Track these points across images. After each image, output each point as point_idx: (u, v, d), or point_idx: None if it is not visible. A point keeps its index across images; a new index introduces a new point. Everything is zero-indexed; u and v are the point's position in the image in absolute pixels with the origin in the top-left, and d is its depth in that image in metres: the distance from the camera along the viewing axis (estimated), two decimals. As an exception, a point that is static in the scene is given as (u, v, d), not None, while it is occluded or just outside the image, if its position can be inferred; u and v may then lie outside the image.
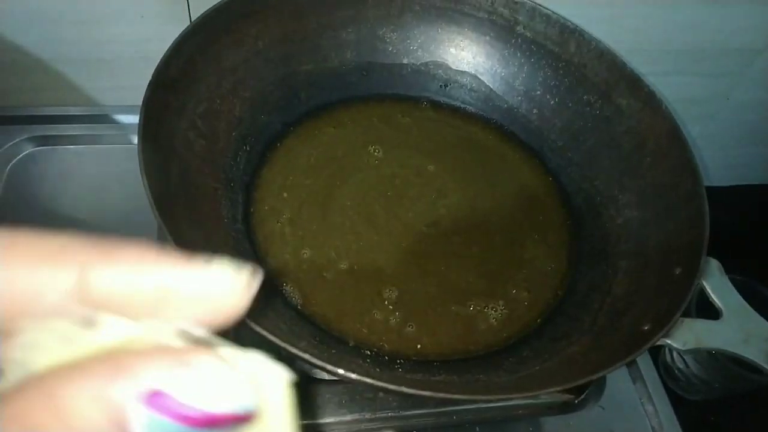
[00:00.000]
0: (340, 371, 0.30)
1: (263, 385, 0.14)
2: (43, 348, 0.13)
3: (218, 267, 0.14)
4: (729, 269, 0.41)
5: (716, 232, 0.39)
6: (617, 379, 0.48)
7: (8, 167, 0.53)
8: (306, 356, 0.30)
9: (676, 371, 0.60)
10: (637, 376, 0.48)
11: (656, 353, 0.56)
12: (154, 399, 0.11)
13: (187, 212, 0.39)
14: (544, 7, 0.49)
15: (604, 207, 0.47)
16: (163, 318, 0.14)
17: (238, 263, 0.14)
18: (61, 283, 0.13)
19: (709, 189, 0.41)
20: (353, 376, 0.30)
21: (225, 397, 0.12)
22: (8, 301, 0.13)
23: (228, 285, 0.14)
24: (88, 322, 0.13)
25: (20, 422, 0.11)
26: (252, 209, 0.45)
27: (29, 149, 0.54)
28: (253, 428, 0.13)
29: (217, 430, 0.12)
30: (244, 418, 0.12)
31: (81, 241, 0.14)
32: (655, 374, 0.49)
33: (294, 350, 0.30)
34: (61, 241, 0.14)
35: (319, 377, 0.44)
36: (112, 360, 0.12)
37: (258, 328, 0.30)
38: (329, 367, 0.30)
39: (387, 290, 0.42)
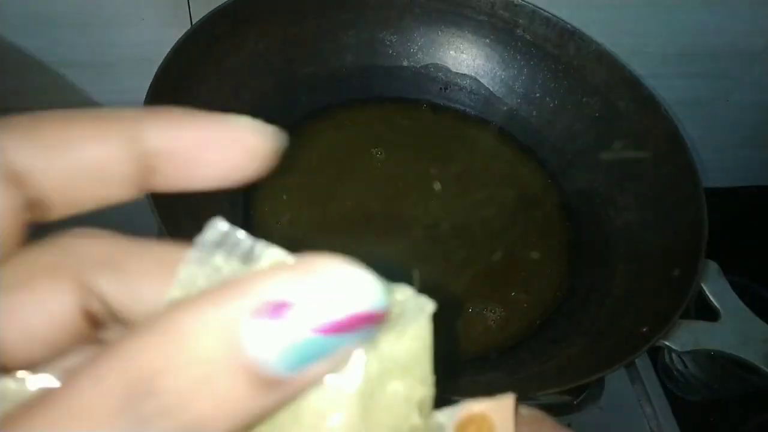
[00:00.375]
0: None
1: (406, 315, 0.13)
2: (201, 286, 0.12)
3: (245, 119, 0.14)
4: (727, 271, 0.42)
5: (715, 233, 0.39)
6: (616, 380, 0.48)
7: (10, 169, 0.53)
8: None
9: (675, 372, 0.60)
10: (635, 377, 0.49)
11: (655, 354, 0.57)
12: (277, 311, 0.10)
13: (187, 214, 0.39)
14: (544, 10, 0.49)
15: (603, 209, 0.47)
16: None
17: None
18: (116, 150, 0.13)
19: (708, 190, 0.41)
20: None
21: (354, 297, 0.11)
22: (72, 184, 0.13)
23: (258, 134, 0.14)
24: (249, 257, 0.13)
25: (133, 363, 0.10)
26: (252, 211, 0.45)
27: (31, 151, 0.54)
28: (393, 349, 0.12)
29: (350, 335, 0.11)
30: (377, 318, 0.11)
31: (118, 111, 0.13)
32: (654, 375, 0.49)
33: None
34: (96, 113, 0.13)
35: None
36: (225, 284, 0.10)
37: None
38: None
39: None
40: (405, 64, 0.53)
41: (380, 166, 0.49)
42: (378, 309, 0.11)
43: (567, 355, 0.38)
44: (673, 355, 0.57)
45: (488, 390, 0.36)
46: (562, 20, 0.49)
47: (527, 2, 0.49)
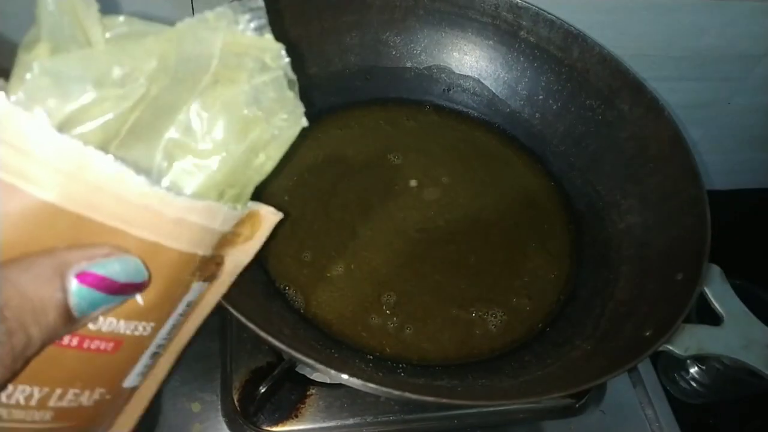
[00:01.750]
0: (344, 376, 0.30)
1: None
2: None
3: None
4: (730, 273, 0.42)
5: (717, 235, 0.39)
6: (618, 383, 0.48)
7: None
8: (309, 361, 0.30)
9: (676, 375, 0.60)
10: (637, 381, 0.49)
11: (656, 358, 0.57)
12: (82, 276, 0.18)
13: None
14: (548, 13, 0.49)
15: (606, 212, 0.47)
16: None
17: None
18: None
19: (711, 193, 0.41)
20: (357, 380, 0.30)
21: (127, 274, 0.19)
22: None
23: None
24: None
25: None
26: (255, 212, 0.45)
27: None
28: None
29: (122, 295, 0.19)
30: (141, 286, 0.20)
31: None
32: (656, 378, 0.49)
33: (298, 355, 0.30)
34: None
35: (321, 381, 0.44)
36: (59, 253, 0.18)
37: (263, 334, 0.30)
38: (333, 372, 0.30)
39: (387, 294, 0.42)
40: (408, 65, 0.53)
41: (383, 168, 0.49)
42: (139, 282, 0.20)
43: (570, 358, 0.38)
44: (675, 358, 0.57)
45: (491, 393, 0.36)
46: (566, 23, 0.49)
47: (531, 4, 0.49)
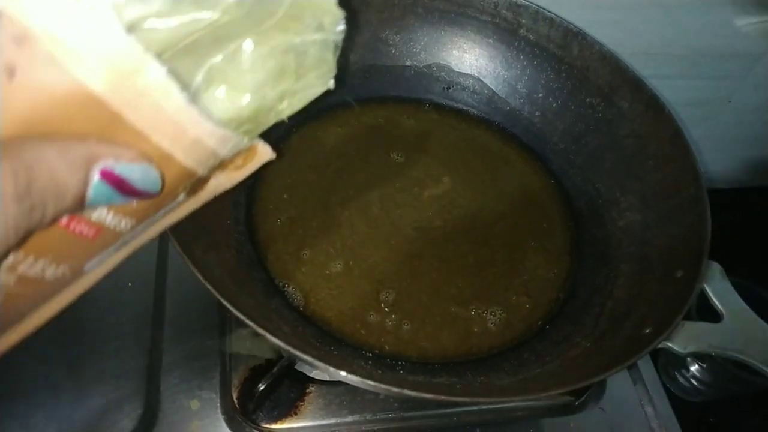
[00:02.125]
0: (343, 373, 0.30)
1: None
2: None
3: None
4: (730, 272, 0.42)
5: (717, 234, 0.39)
6: (618, 381, 0.48)
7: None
8: (308, 358, 0.30)
9: (677, 373, 0.60)
10: (637, 378, 0.48)
11: (657, 355, 0.57)
12: (106, 172, 0.19)
13: (191, 213, 0.39)
14: (547, 11, 0.49)
15: (605, 210, 0.47)
16: None
17: None
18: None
19: (711, 191, 0.41)
20: (356, 378, 0.30)
21: (145, 183, 0.21)
22: None
23: None
24: None
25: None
26: (254, 210, 0.45)
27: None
28: None
29: (133, 197, 0.21)
30: (152, 195, 0.21)
31: None
32: (656, 376, 0.49)
33: (297, 352, 0.30)
34: None
35: (320, 379, 0.44)
36: (91, 144, 0.19)
37: (262, 331, 0.30)
38: (332, 369, 0.30)
39: (386, 292, 0.42)
40: (408, 63, 0.53)
41: (382, 166, 0.49)
42: (153, 192, 0.21)
43: (569, 356, 0.38)
44: (675, 356, 0.57)
45: (490, 390, 0.36)
46: (566, 21, 0.49)
47: (531, 2, 0.49)
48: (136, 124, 0.20)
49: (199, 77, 0.22)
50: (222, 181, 0.28)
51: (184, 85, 0.21)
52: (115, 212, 0.21)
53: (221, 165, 0.26)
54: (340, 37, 0.26)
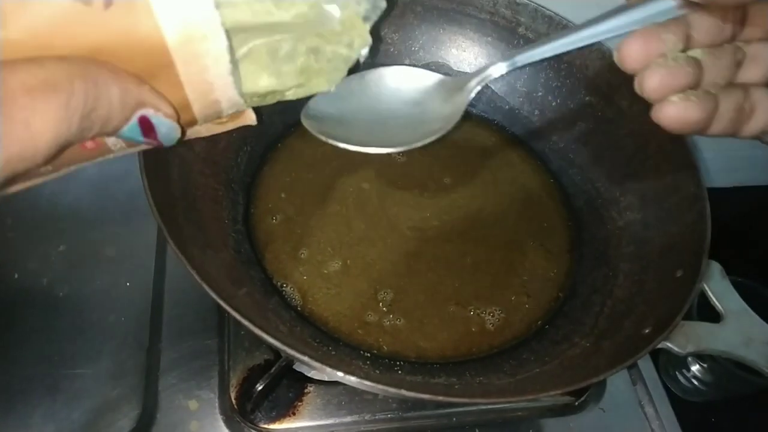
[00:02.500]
0: (340, 374, 0.30)
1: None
2: None
3: None
4: (730, 271, 0.41)
5: (717, 233, 0.38)
6: (617, 381, 0.48)
7: (9, 166, 0.53)
8: (305, 358, 0.30)
9: (677, 373, 0.60)
10: (637, 378, 0.48)
11: (657, 355, 0.56)
12: (143, 119, 0.23)
13: (188, 213, 0.39)
14: (547, 9, 0.48)
15: (605, 209, 0.47)
16: None
17: None
18: None
19: (711, 190, 0.41)
20: (353, 379, 0.30)
21: (167, 137, 0.25)
22: None
23: None
24: None
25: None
26: (252, 209, 0.45)
27: (30, 149, 0.54)
28: None
29: (153, 143, 0.24)
30: (161, 146, 0.25)
31: None
32: (656, 376, 0.49)
33: (293, 352, 0.30)
34: None
35: (318, 379, 0.44)
36: (145, 90, 0.22)
37: (259, 332, 0.30)
38: (329, 369, 0.30)
39: (384, 292, 0.41)
40: (406, 62, 0.52)
41: (380, 164, 0.49)
42: (164, 146, 0.25)
43: (569, 356, 0.38)
44: (675, 356, 0.57)
45: (488, 391, 0.36)
46: (565, 19, 0.48)
47: (529, 1, 0.49)
48: (181, 76, 0.23)
49: (240, 52, 0.25)
50: (201, 130, 0.30)
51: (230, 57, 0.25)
52: (115, 139, 0.24)
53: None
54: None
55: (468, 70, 0.53)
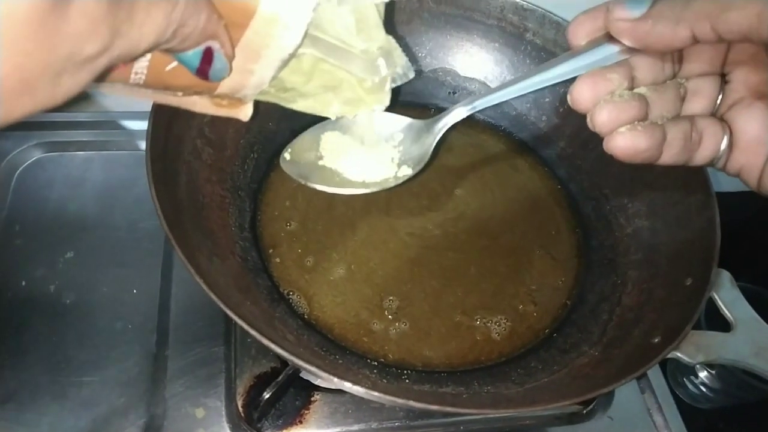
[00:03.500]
0: (348, 384, 0.29)
1: None
2: None
3: None
4: (739, 277, 0.41)
5: (726, 238, 0.38)
6: (626, 389, 0.48)
7: (17, 173, 0.53)
8: (312, 368, 0.30)
9: (685, 380, 0.60)
10: (646, 386, 0.48)
11: (665, 362, 0.56)
12: (207, 50, 0.26)
13: (195, 221, 0.39)
14: (554, 15, 0.48)
15: (613, 216, 0.47)
16: None
17: None
18: None
19: (719, 194, 0.40)
20: (360, 389, 0.30)
21: (219, 73, 0.28)
22: None
23: None
24: None
25: None
26: (259, 217, 0.45)
27: (38, 155, 0.54)
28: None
29: (201, 75, 0.28)
30: (208, 82, 0.29)
31: None
32: (665, 384, 0.49)
33: (300, 362, 0.30)
34: None
35: (325, 387, 0.44)
36: (220, 28, 0.26)
37: (267, 342, 0.30)
38: (336, 380, 0.30)
39: (390, 299, 0.41)
40: (414, 67, 0.52)
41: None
42: (210, 81, 0.29)
43: (577, 365, 0.38)
44: (684, 364, 0.56)
45: (496, 401, 0.36)
46: (572, 24, 0.48)
47: (537, 6, 0.48)
48: (242, 40, 0.27)
49: (299, 50, 0.31)
50: (196, 102, 0.33)
51: None
52: (150, 66, 0.27)
53: (213, 95, 0.33)
54: (371, 112, 0.38)
55: (475, 76, 0.53)
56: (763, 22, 0.23)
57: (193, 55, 0.26)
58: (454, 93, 0.53)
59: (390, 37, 0.35)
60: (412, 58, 0.52)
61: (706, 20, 0.24)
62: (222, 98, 0.33)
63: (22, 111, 0.19)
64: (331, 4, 0.31)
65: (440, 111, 0.52)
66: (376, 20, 0.33)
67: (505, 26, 0.50)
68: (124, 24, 0.20)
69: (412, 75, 0.37)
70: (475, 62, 0.52)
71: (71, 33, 0.18)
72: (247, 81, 0.31)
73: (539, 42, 0.50)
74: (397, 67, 0.36)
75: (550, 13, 0.48)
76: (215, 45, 0.26)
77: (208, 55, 0.26)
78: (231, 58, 0.28)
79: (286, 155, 0.40)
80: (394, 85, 0.36)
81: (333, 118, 0.38)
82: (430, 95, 0.53)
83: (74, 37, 0.18)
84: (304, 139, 0.40)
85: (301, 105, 0.36)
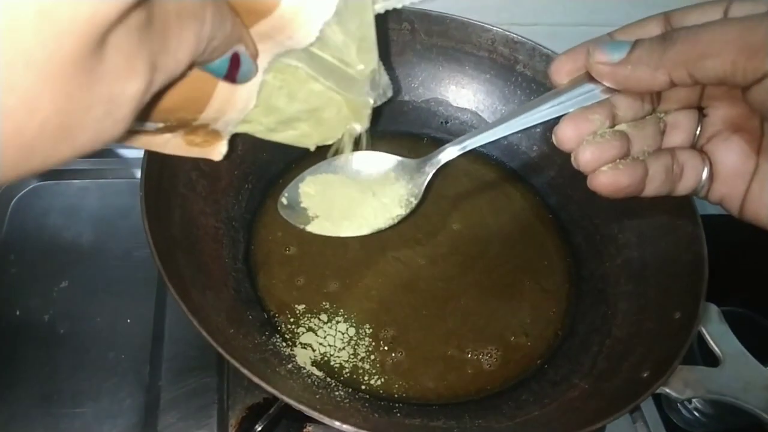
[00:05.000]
0: (336, 423, 0.30)
1: None
2: None
3: None
4: (727, 301, 0.41)
5: (714, 261, 0.39)
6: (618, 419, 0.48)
7: (13, 201, 0.53)
8: (302, 407, 0.30)
9: (679, 405, 0.60)
10: (638, 417, 0.48)
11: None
12: (236, 56, 0.26)
13: (189, 255, 0.39)
14: (544, 47, 0.49)
15: (604, 246, 0.47)
16: None
17: None
18: None
19: (705, 217, 0.41)
20: (350, 428, 0.30)
21: (245, 76, 0.29)
22: None
23: None
24: None
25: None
26: (253, 248, 0.45)
27: (33, 183, 0.55)
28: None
29: (229, 79, 0.28)
30: (234, 82, 0.29)
31: None
32: (656, 414, 0.49)
33: (290, 401, 0.30)
34: None
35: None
36: (245, 33, 0.27)
37: (257, 380, 0.30)
38: (326, 419, 0.30)
39: (383, 331, 0.42)
40: (406, 98, 0.53)
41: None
42: (237, 81, 0.29)
43: (567, 398, 0.38)
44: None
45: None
46: (562, 57, 0.49)
47: (527, 39, 0.49)
48: (260, 33, 0.27)
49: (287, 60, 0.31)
50: (166, 145, 0.32)
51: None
52: None
53: (189, 130, 0.32)
54: (351, 135, 0.37)
55: (467, 107, 0.53)
56: (738, 69, 0.24)
57: (221, 63, 0.25)
58: (446, 123, 0.54)
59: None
60: (405, 88, 0.53)
61: (683, 67, 0.25)
62: (196, 135, 0.33)
63: (60, 157, 0.18)
64: (341, 19, 0.29)
65: (432, 140, 0.54)
66: (373, 40, 0.33)
67: (496, 58, 0.51)
68: (159, 55, 0.19)
69: (390, 94, 0.36)
70: (467, 93, 0.53)
71: (109, 71, 0.17)
72: (235, 97, 0.30)
73: (529, 74, 0.51)
74: (379, 87, 0.35)
75: (540, 45, 0.49)
76: (241, 48, 0.26)
77: (235, 61, 0.26)
78: (255, 56, 0.28)
79: (283, 200, 0.40)
80: (374, 105, 0.36)
81: (312, 149, 0.38)
82: (422, 125, 0.54)
83: (113, 75, 0.17)
84: (298, 183, 0.40)
85: (280, 136, 0.36)
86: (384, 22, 0.35)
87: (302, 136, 0.36)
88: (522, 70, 0.51)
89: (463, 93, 0.53)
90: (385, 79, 0.36)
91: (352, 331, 0.41)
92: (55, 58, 0.15)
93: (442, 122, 0.54)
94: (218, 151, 0.34)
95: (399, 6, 0.35)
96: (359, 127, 0.36)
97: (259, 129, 0.35)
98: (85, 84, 0.16)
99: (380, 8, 0.33)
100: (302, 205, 0.39)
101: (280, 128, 0.35)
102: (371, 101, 0.35)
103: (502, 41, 0.50)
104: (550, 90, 0.49)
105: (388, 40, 0.51)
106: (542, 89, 0.51)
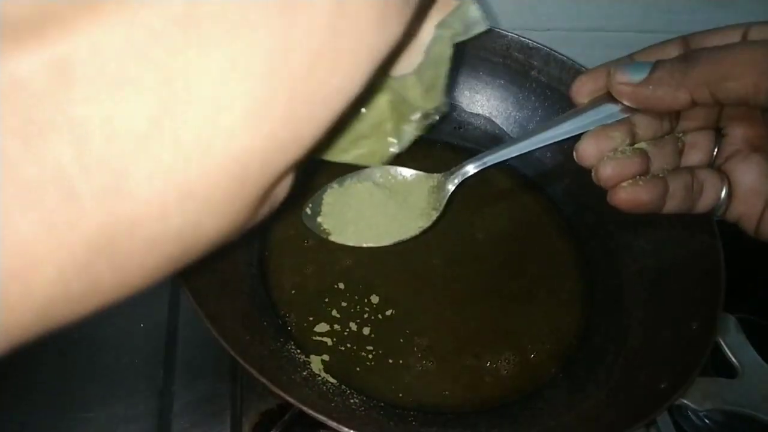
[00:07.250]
0: (351, 433, 0.30)
1: None
2: None
3: None
4: (741, 309, 0.41)
5: (729, 267, 0.39)
6: (631, 427, 0.48)
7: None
8: (318, 416, 0.30)
9: (689, 411, 0.60)
10: (650, 423, 0.48)
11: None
12: None
13: (204, 260, 0.39)
14: (558, 53, 0.49)
15: (619, 254, 0.47)
16: None
17: None
18: None
19: (718, 223, 0.41)
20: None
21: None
22: None
23: None
24: None
25: None
26: (266, 253, 0.45)
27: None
28: None
29: None
30: None
31: None
32: (669, 422, 0.48)
33: (308, 410, 0.30)
34: None
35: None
36: None
37: (274, 388, 0.30)
38: (343, 428, 0.30)
39: (399, 338, 0.41)
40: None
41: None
42: None
43: (583, 408, 0.38)
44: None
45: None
46: (577, 63, 0.49)
47: (542, 45, 0.49)
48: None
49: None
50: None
51: None
52: None
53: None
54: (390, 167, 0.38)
55: (480, 112, 0.53)
56: (760, 91, 0.24)
57: None
58: (459, 128, 0.54)
59: None
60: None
61: (705, 87, 0.26)
62: None
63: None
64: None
65: (446, 145, 0.53)
66: (443, 88, 0.30)
67: (511, 64, 0.51)
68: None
69: (444, 109, 0.36)
70: (481, 98, 0.53)
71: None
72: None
73: (544, 79, 0.50)
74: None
75: (555, 51, 0.49)
76: None
77: None
78: None
79: (307, 210, 0.39)
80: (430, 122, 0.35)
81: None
82: (436, 130, 0.53)
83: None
84: (321, 194, 0.40)
85: (351, 156, 0.31)
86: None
87: (370, 154, 0.33)
88: (536, 76, 0.51)
89: (476, 98, 0.53)
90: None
91: (366, 338, 0.41)
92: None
93: (455, 127, 0.54)
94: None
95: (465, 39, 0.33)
96: (399, 146, 0.35)
97: (333, 151, 0.32)
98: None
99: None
100: (325, 215, 0.40)
101: (350, 147, 0.33)
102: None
103: (517, 47, 0.50)
104: (564, 96, 0.50)
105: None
106: (556, 95, 0.51)
